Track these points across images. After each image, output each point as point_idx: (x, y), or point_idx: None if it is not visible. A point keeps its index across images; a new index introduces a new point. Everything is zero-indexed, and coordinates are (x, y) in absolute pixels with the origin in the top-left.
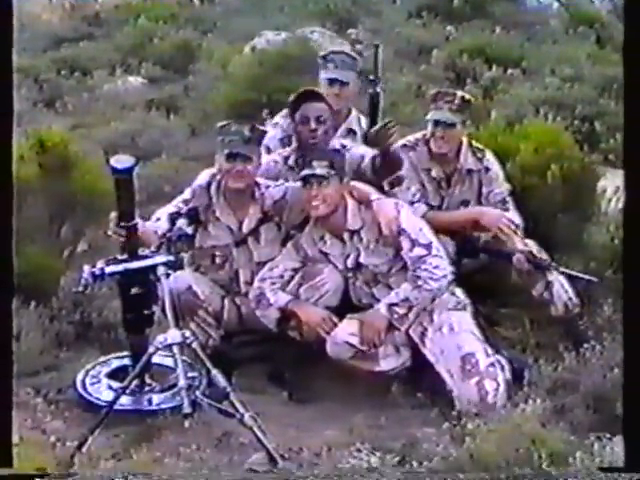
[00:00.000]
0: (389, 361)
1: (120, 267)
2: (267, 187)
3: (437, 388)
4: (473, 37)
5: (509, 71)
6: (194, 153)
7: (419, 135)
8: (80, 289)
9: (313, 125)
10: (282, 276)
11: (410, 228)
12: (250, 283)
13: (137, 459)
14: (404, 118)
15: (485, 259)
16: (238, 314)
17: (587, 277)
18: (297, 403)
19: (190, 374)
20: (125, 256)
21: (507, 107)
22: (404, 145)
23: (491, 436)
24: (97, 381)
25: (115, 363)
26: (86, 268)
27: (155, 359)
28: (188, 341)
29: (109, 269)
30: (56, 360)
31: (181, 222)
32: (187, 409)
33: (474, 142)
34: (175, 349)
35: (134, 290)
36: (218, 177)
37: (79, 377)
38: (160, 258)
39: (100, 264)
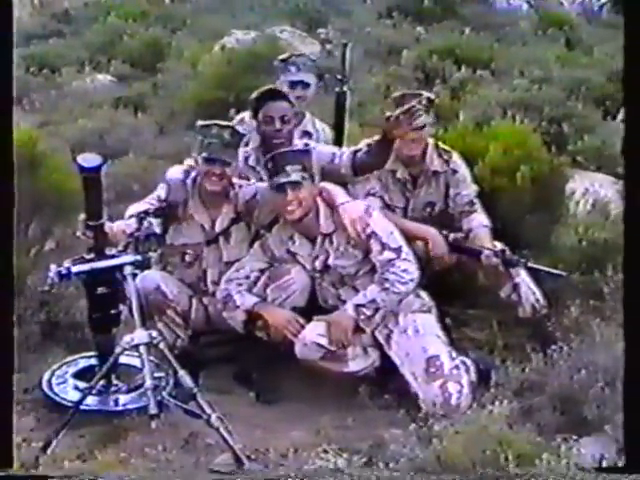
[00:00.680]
0: (358, 362)
1: (87, 266)
2: (240, 187)
3: (404, 390)
4: (443, 38)
5: (478, 72)
6: (162, 151)
7: None
8: (46, 288)
9: (278, 125)
10: (248, 277)
11: (381, 231)
12: (217, 283)
13: (102, 460)
14: (372, 118)
15: (452, 260)
16: (205, 314)
17: (554, 271)
18: (264, 404)
19: (157, 374)
20: (92, 255)
21: (475, 108)
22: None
23: (458, 437)
24: (63, 381)
25: (82, 363)
26: (52, 267)
27: (122, 359)
28: (155, 341)
29: (75, 268)
30: (21, 360)
31: (150, 221)
32: (153, 410)
33: (440, 144)
34: (142, 349)
35: (101, 290)
36: (193, 174)
37: (45, 377)
38: (127, 257)
39: (67, 263)
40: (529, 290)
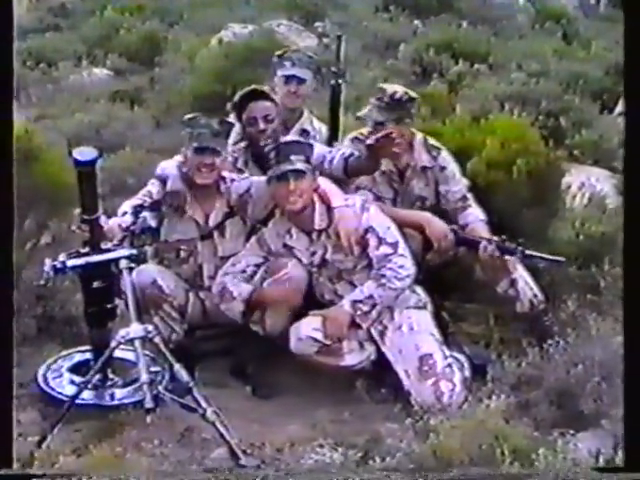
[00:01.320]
0: (354, 356)
1: (82, 260)
2: (232, 181)
3: (400, 384)
4: (440, 32)
5: (475, 66)
6: (159, 145)
7: (370, 129)
8: (42, 282)
9: (261, 125)
10: (244, 271)
11: (378, 226)
12: (213, 277)
13: (98, 454)
14: None
15: (449, 254)
16: (202, 308)
17: (551, 257)
18: (260, 398)
19: (152, 369)
20: (87, 249)
21: (472, 102)
22: (355, 138)
23: (454, 432)
24: (59, 375)
25: (77, 357)
26: (48, 261)
27: (117, 353)
28: (150, 335)
29: (71, 262)
30: (17, 354)
31: (145, 214)
32: (149, 404)
33: (430, 139)
34: (137, 343)
35: (96, 284)
36: (184, 169)
37: (41, 371)
38: (123, 251)
39: (62, 257)
40: (527, 285)
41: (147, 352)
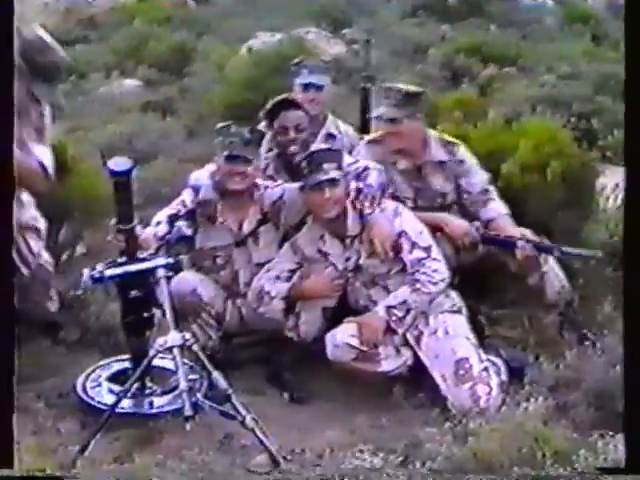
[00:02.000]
0: (390, 361)
1: (119, 270)
2: (266, 188)
3: (438, 389)
4: (469, 36)
5: (505, 69)
6: (191, 155)
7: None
8: (79, 292)
9: (292, 134)
10: (279, 277)
11: (410, 230)
12: (249, 284)
13: (139, 462)
14: None
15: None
16: (239, 315)
17: (589, 252)
18: (298, 404)
19: (191, 376)
20: (124, 259)
21: (504, 105)
22: (371, 140)
23: (493, 435)
24: (98, 385)
25: (115, 366)
26: (85, 271)
27: (155, 362)
28: (188, 343)
29: (109, 272)
30: (56, 364)
31: (180, 224)
32: (188, 412)
33: (446, 136)
34: (175, 351)
35: (133, 293)
36: (217, 178)
37: (79, 381)
38: (159, 260)
39: (100, 267)
40: (556, 277)
41: (185, 360)
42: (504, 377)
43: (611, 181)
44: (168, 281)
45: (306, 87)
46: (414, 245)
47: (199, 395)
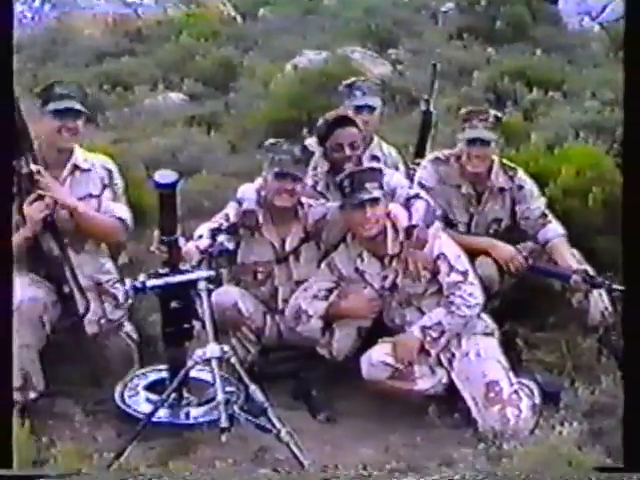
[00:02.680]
0: (426, 380)
1: (161, 281)
2: (310, 206)
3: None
4: (514, 59)
5: (550, 94)
6: (234, 170)
7: (452, 151)
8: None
9: (348, 152)
10: (316, 295)
11: (449, 253)
12: (288, 301)
13: (173, 471)
14: (444, 139)
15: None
16: (277, 331)
17: None
18: (332, 421)
19: (228, 389)
20: (166, 270)
21: (547, 130)
22: (436, 158)
23: (527, 457)
24: (135, 393)
25: (153, 376)
26: (128, 281)
27: (193, 373)
28: (227, 356)
29: (150, 283)
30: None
31: (222, 237)
32: (224, 423)
33: (505, 161)
34: (214, 363)
35: (174, 304)
36: (263, 193)
37: (117, 389)
38: (201, 273)
39: (142, 277)
40: (599, 298)
41: (222, 372)
42: (537, 400)
43: None
44: (209, 294)
45: (359, 109)
46: (452, 268)
47: (235, 407)
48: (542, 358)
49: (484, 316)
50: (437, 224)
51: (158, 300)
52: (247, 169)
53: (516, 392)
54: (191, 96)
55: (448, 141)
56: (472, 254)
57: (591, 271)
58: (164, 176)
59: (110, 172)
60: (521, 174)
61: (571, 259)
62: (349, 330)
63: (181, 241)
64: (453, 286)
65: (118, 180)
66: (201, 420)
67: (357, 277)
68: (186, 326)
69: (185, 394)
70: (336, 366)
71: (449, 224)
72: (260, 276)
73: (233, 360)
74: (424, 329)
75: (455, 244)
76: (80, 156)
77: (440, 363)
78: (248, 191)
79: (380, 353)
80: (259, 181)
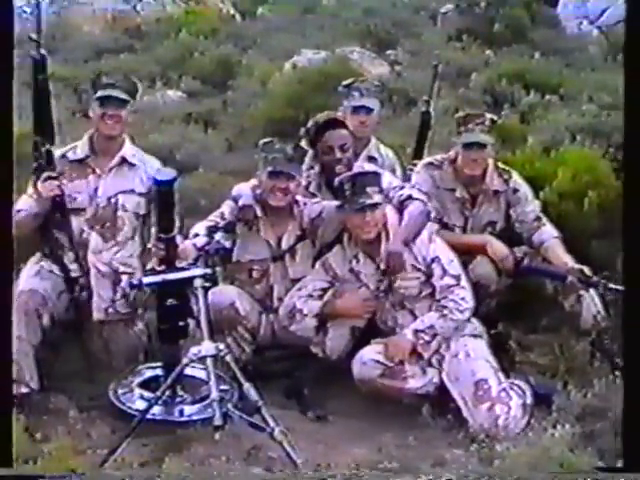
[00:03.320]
0: (417, 380)
1: (158, 278)
2: (305, 204)
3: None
4: (512, 62)
5: (547, 97)
6: (231, 168)
7: (445, 155)
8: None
9: (338, 154)
10: (311, 295)
11: (443, 257)
12: (283, 299)
13: (166, 468)
14: (441, 141)
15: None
16: (272, 330)
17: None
18: (322, 419)
19: (222, 387)
20: (163, 267)
21: (544, 133)
22: (429, 163)
23: (520, 459)
24: (129, 390)
25: (147, 373)
26: (124, 278)
27: (187, 371)
28: (222, 354)
29: (147, 280)
30: (89, 368)
31: (219, 235)
32: (218, 421)
33: (499, 164)
34: (208, 361)
35: (170, 301)
36: (258, 192)
37: (111, 386)
38: (197, 271)
39: (138, 274)
40: (592, 302)
41: (217, 370)
42: (528, 400)
43: None
44: (205, 292)
45: (356, 109)
46: (445, 272)
47: (229, 405)
48: (535, 360)
49: (472, 319)
50: (432, 227)
51: (154, 297)
52: (244, 167)
53: (505, 390)
54: (189, 94)
55: (445, 143)
56: (469, 252)
57: (587, 270)
58: (162, 173)
59: None
60: (516, 177)
61: (566, 258)
62: (343, 330)
63: (178, 239)
64: (446, 289)
65: None
66: (195, 418)
67: (351, 277)
68: (181, 324)
69: (179, 392)
70: (329, 365)
71: (444, 227)
72: (255, 274)
73: (228, 358)
74: (416, 332)
75: (449, 248)
76: (129, 150)
77: (430, 364)
78: (243, 189)
79: (371, 352)
80: (254, 180)
